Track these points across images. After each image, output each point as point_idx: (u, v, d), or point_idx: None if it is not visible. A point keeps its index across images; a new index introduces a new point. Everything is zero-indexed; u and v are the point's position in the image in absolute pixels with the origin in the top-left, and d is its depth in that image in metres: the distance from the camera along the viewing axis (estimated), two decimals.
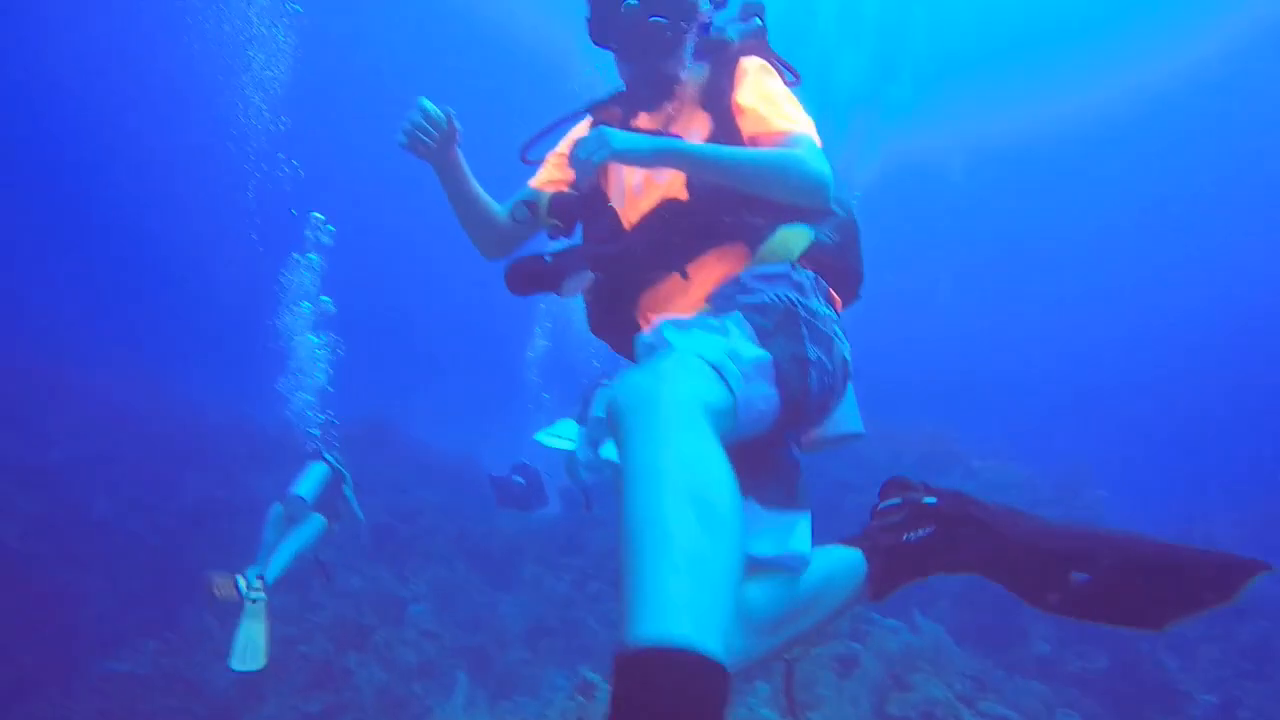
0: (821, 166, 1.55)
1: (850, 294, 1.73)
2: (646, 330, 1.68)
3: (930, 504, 1.48)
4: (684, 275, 1.59)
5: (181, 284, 26.96)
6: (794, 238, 1.54)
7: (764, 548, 1.29)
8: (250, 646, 4.27)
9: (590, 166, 1.49)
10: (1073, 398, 25.12)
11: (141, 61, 22.66)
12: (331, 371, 9.20)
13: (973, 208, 29.49)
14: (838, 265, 1.63)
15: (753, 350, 1.21)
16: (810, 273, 1.52)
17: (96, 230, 25.55)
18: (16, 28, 20.75)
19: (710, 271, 1.59)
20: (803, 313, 1.37)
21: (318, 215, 9.97)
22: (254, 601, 4.40)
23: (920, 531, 1.46)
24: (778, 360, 1.24)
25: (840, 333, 1.49)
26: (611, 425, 1.02)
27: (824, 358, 1.37)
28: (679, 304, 1.60)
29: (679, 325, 1.24)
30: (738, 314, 1.26)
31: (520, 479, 7.50)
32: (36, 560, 6.81)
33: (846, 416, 1.73)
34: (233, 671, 4.24)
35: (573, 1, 1.75)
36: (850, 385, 1.67)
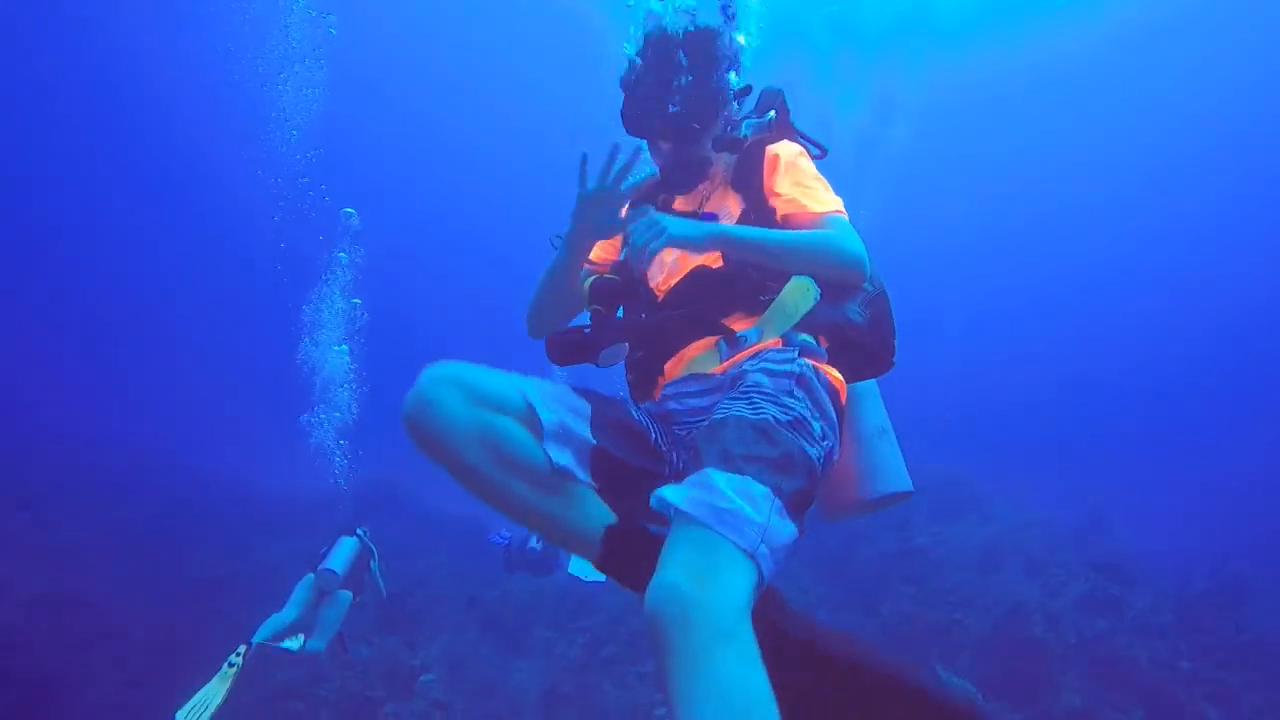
0: (855, 245, 1.69)
1: (885, 365, 1.83)
2: (670, 377, 1.74)
3: None
4: (729, 334, 1.67)
5: (191, 342, 26.51)
6: (801, 295, 1.61)
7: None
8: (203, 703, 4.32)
9: (649, 254, 1.55)
10: (1096, 424, 24.35)
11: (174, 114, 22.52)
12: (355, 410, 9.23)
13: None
14: (868, 340, 1.74)
15: (784, 529, 1.23)
16: (810, 363, 1.56)
17: (100, 294, 25.10)
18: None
19: (736, 330, 1.69)
20: (817, 452, 1.40)
21: (349, 210, 10.11)
22: (231, 665, 4.49)
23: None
24: (800, 525, 1.29)
25: (831, 430, 1.51)
26: (652, 631, 1.06)
27: (813, 486, 1.41)
28: (699, 358, 1.69)
29: (707, 495, 1.20)
30: (768, 491, 1.24)
31: (536, 544, 7.40)
32: (36, 643, 6.67)
33: (893, 474, 1.81)
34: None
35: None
36: (893, 442, 1.82)
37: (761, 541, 1.17)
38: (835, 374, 1.64)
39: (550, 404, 1.41)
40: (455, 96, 27.04)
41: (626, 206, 1.71)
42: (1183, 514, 17.29)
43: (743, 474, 1.25)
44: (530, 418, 1.37)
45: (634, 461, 1.49)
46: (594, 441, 1.43)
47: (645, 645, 7.68)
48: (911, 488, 1.79)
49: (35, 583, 7.20)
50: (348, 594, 5.32)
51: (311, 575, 5.26)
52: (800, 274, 1.65)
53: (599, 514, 1.39)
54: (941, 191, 28.09)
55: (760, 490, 1.24)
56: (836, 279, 1.69)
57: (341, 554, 5.36)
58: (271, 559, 9.27)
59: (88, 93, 21.62)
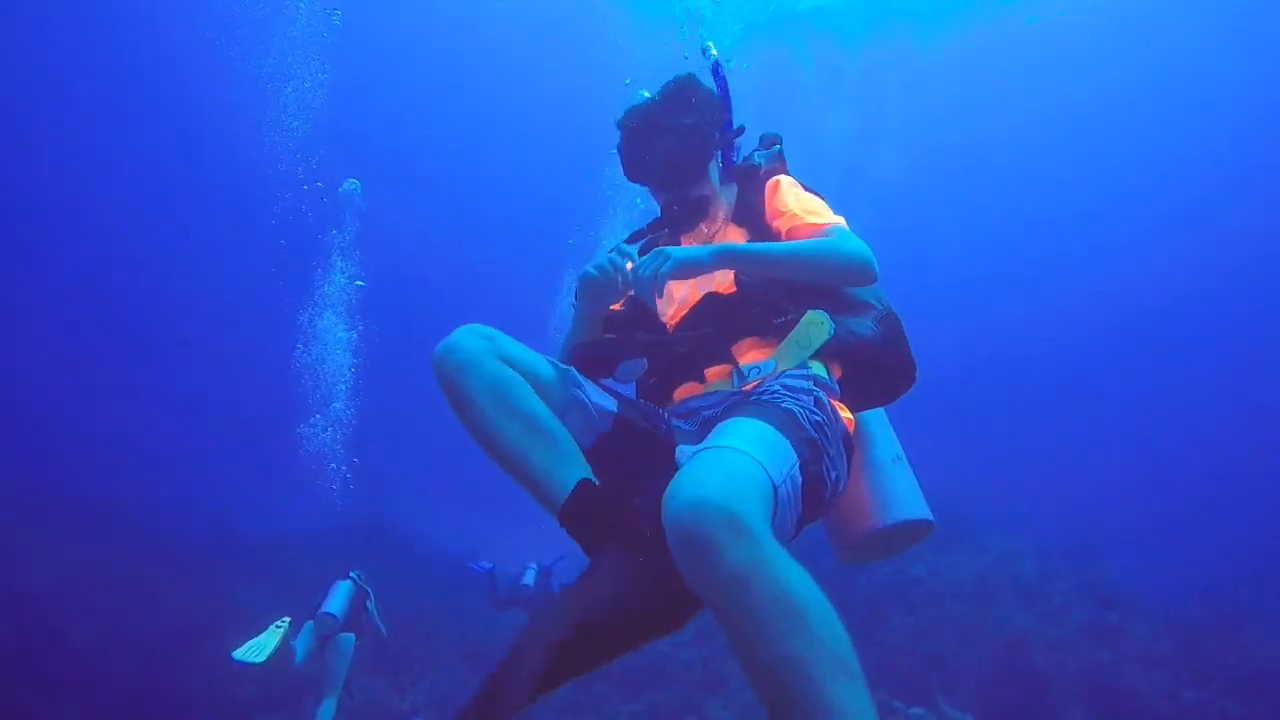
0: (858, 245, 1.72)
1: (906, 383, 1.81)
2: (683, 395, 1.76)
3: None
4: (735, 364, 1.69)
5: (175, 354, 24.46)
6: (816, 328, 1.62)
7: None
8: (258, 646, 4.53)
9: (656, 280, 1.58)
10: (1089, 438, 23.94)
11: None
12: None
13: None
14: (884, 357, 1.73)
15: (796, 501, 1.32)
16: (822, 392, 1.58)
17: (74, 303, 22.71)
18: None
19: (748, 359, 1.70)
20: (834, 474, 1.48)
21: (354, 181, 10.03)
22: (279, 627, 4.70)
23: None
24: (809, 479, 1.37)
25: (840, 459, 1.55)
26: (687, 548, 1.05)
27: (821, 499, 1.47)
28: (715, 383, 1.71)
29: (750, 428, 1.31)
30: (795, 456, 1.33)
31: (529, 581, 7.27)
32: (8, 693, 6.45)
33: (908, 501, 1.75)
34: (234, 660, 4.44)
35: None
36: (908, 470, 1.81)
37: (786, 480, 1.24)
38: (846, 413, 1.65)
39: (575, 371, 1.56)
40: (459, 93, 26.33)
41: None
42: (1176, 538, 17.23)
43: (781, 432, 1.33)
44: (544, 386, 1.49)
45: (648, 429, 1.57)
46: (612, 409, 1.53)
47: (636, 684, 7.53)
48: (931, 517, 1.72)
49: (7, 629, 6.99)
50: (350, 637, 5.32)
51: (310, 622, 5.25)
52: (809, 281, 1.69)
53: (579, 468, 1.44)
54: (927, 201, 26.82)
55: (789, 448, 1.32)
56: (847, 281, 1.74)
57: (338, 597, 5.37)
58: (252, 603, 9.03)
59: (74, 87, 20.75)
